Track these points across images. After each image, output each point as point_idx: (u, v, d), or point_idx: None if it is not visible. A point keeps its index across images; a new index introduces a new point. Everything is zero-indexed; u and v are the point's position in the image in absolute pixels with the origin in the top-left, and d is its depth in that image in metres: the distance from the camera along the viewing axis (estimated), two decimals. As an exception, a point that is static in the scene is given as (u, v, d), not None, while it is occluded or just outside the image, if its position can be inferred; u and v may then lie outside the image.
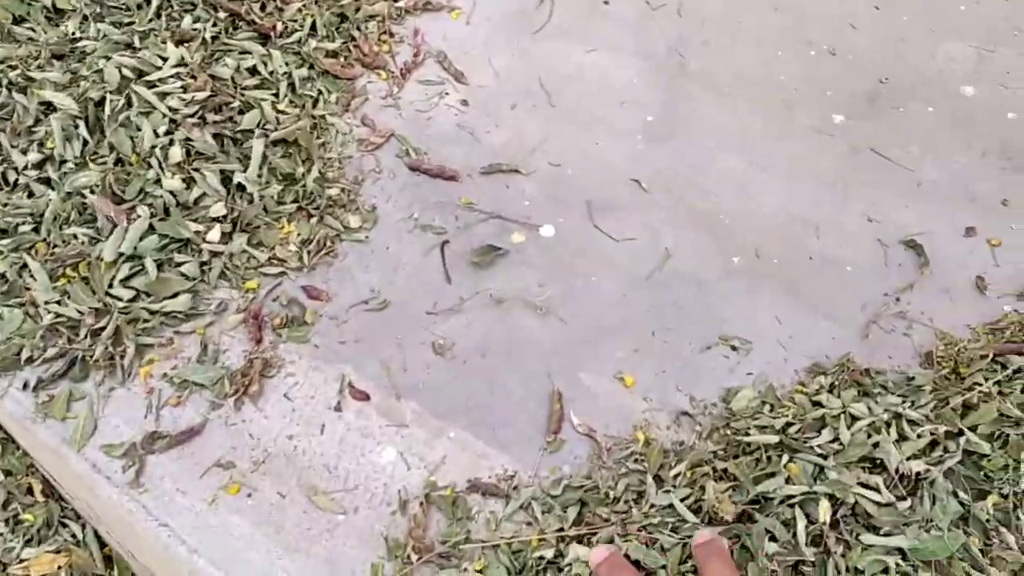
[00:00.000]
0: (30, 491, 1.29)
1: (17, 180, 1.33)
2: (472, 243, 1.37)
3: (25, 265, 1.24)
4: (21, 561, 1.25)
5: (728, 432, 1.14)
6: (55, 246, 1.26)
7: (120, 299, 1.21)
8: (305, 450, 1.12)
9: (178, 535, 1.04)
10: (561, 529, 1.03)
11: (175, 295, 1.24)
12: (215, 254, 1.28)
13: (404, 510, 1.07)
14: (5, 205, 1.29)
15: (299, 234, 1.34)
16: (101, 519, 1.18)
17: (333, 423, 1.15)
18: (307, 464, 1.11)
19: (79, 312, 1.19)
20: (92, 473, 1.09)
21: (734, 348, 1.26)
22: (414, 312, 1.28)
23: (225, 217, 1.31)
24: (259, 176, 1.35)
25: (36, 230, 1.27)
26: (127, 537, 1.14)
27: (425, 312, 1.28)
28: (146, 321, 1.21)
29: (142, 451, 1.10)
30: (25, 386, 1.16)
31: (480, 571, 0.99)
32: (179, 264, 1.26)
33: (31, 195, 1.31)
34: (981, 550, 0.99)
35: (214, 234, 1.29)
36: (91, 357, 1.17)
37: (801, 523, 0.99)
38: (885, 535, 0.98)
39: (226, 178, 1.34)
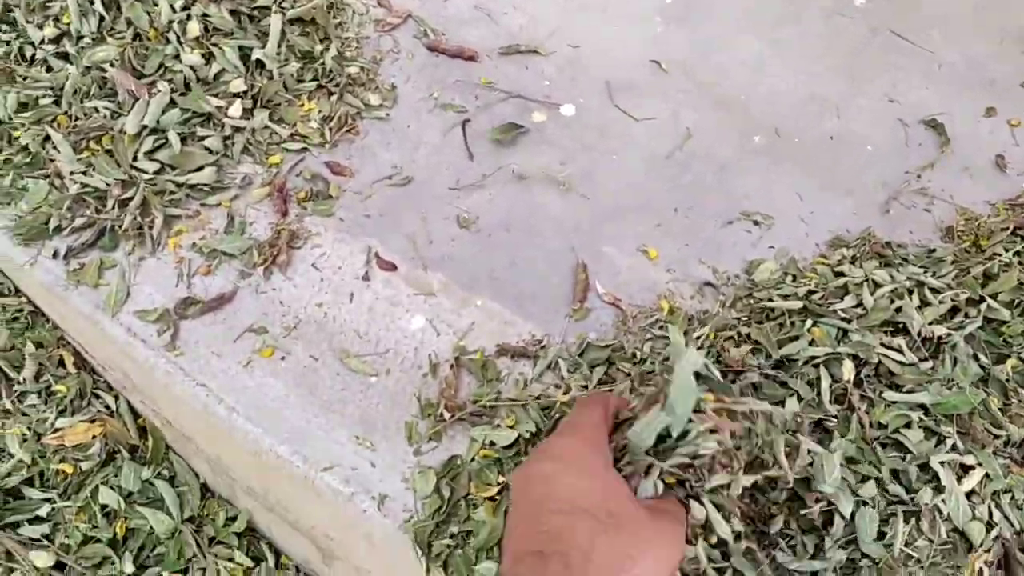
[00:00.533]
0: (62, 363, 1.31)
1: (34, 55, 1.31)
2: (493, 122, 1.37)
3: (48, 137, 1.23)
4: (56, 431, 1.28)
5: (751, 301, 1.16)
6: (77, 119, 1.25)
7: (145, 171, 1.21)
8: (335, 317, 1.14)
9: (216, 395, 1.06)
10: (586, 387, 1.05)
11: (200, 168, 1.24)
12: (237, 129, 1.28)
13: (435, 373, 1.09)
14: (24, 79, 1.28)
15: (320, 111, 1.33)
16: (136, 386, 1.20)
17: (361, 292, 1.16)
18: (338, 330, 1.13)
19: (105, 183, 1.19)
20: (128, 337, 1.10)
21: (756, 223, 1.27)
22: (437, 188, 1.29)
23: (245, 93, 1.30)
24: (278, 53, 1.34)
25: (57, 103, 1.26)
26: (164, 401, 1.17)
27: (448, 188, 1.29)
28: (172, 193, 1.21)
29: (176, 316, 1.12)
30: (55, 255, 1.17)
31: (512, 426, 1.02)
32: (202, 138, 1.26)
33: (49, 69, 1.30)
34: (1000, 408, 1.01)
35: (235, 109, 1.28)
36: (120, 227, 1.18)
37: (825, 382, 1.01)
38: (908, 392, 1.00)
39: (244, 55, 1.33)
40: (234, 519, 1.31)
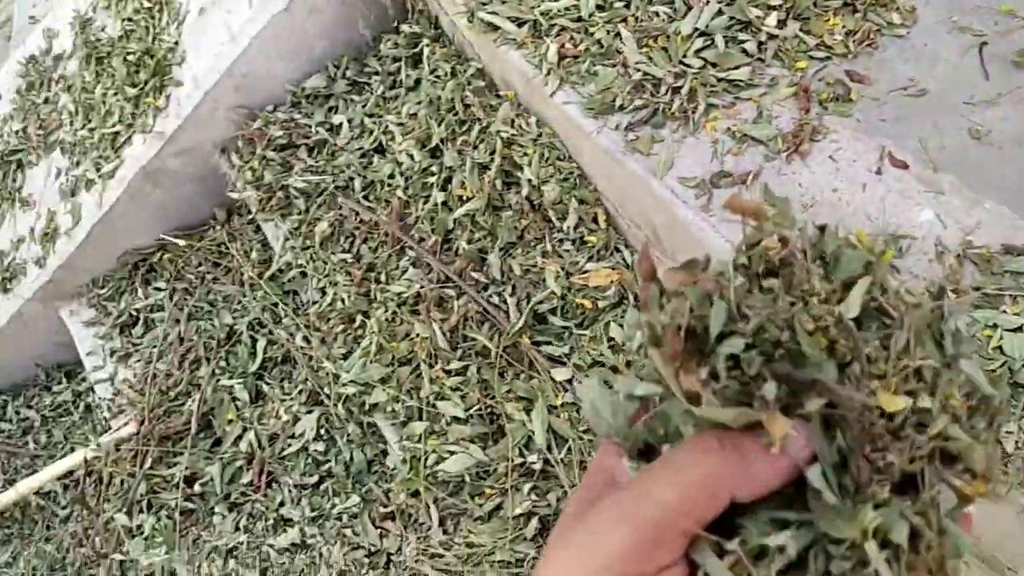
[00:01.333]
0: (595, 220, 1.60)
1: (608, -34, 1.60)
2: (1011, 47, 1.42)
3: (618, 34, 1.51)
4: (583, 272, 1.58)
5: None
6: (641, 20, 1.51)
7: (691, 66, 1.45)
8: (848, 202, 1.29)
9: (741, 250, 1.27)
10: (1099, 293, 1.11)
11: (737, 67, 1.44)
12: (771, 36, 1.47)
13: (940, 259, 1.21)
14: (602, -16, 1.57)
15: (844, 26, 1.48)
16: (661, 241, 1.45)
17: (874, 184, 1.31)
18: (850, 213, 1.28)
19: (662, 73, 1.44)
20: (671, 197, 1.35)
21: None
22: (951, 101, 1.38)
23: (780, 6, 1.48)
24: (811, -27, 1.50)
25: (627, 6, 1.54)
26: (687, 254, 1.40)
27: (962, 102, 1.37)
28: (713, 86, 1.43)
29: (710, 185, 1.34)
30: (616, 127, 1.44)
31: (1017, 314, 1.11)
32: (741, 42, 1.46)
33: (621, -23, 1.57)
34: None
35: (771, 19, 1.47)
36: (669, 110, 1.42)
37: None
38: None
39: (782, -27, 1.51)
40: (715, 372, 1.53)
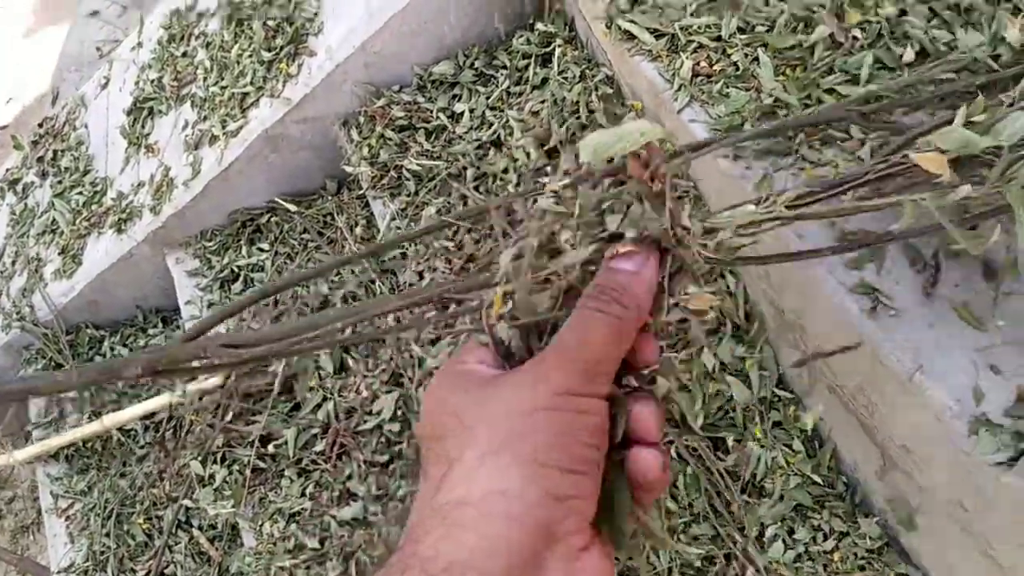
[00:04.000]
0: (704, 243, 1.58)
1: (752, -9, 1.57)
2: None
3: (756, 58, 1.48)
4: (686, 294, 1.55)
5: None
6: (780, 48, 1.48)
7: (824, 101, 1.41)
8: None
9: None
10: None
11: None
12: (915, 80, 1.42)
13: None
14: (746, 8, 1.54)
15: (994, 80, 1.42)
16: (770, 274, 1.42)
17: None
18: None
19: (793, 101, 1.41)
20: (785, 229, 1.31)
21: None
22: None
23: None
24: None
25: (768, 31, 1.50)
26: (791, 293, 1.37)
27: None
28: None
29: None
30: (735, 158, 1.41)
31: None
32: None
33: (767, 4, 1.54)
34: None
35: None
36: (797, 138, 1.39)
37: None
38: None
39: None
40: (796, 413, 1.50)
